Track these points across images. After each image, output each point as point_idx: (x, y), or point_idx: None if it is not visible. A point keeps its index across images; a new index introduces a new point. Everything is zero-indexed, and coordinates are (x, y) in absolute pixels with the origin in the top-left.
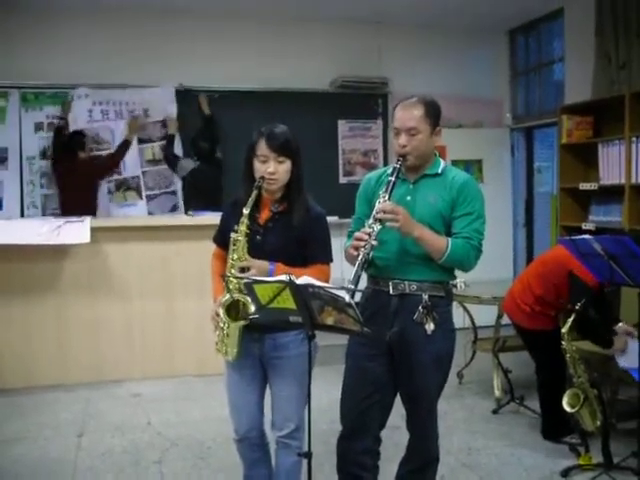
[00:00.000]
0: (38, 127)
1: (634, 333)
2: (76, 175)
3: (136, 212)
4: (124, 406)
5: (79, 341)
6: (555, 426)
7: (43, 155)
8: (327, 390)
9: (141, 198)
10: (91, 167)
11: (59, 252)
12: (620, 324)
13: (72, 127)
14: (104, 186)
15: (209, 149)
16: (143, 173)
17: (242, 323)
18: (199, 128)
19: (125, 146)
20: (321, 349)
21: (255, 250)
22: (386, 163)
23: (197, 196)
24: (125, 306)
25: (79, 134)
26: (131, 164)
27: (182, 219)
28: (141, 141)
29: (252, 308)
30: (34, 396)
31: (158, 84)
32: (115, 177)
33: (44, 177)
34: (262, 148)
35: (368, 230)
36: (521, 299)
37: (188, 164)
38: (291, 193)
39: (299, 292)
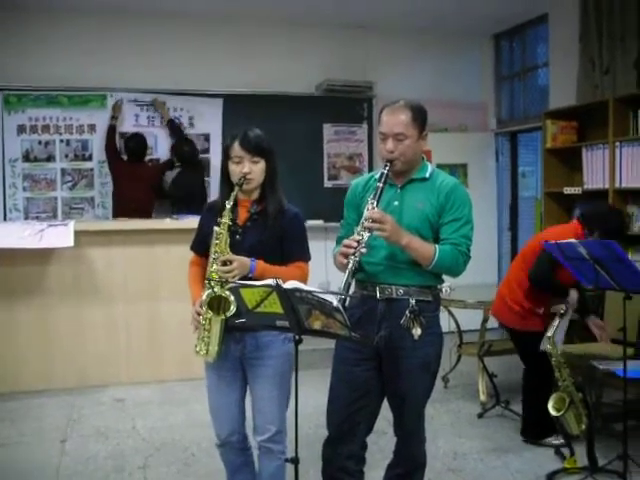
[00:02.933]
0: (21, 129)
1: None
2: (138, 177)
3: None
4: (108, 411)
5: (63, 346)
6: (537, 427)
7: (26, 158)
8: (312, 394)
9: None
10: (152, 170)
11: (43, 256)
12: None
13: (118, 131)
14: None
15: (191, 152)
16: None
17: (223, 317)
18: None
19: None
20: (307, 353)
21: (235, 249)
22: (371, 167)
23: (184, 202)
24: (109, 310)
25: (141, 137)
26: (170, 172)
27: (166, 223)
28: None
29: (232, 298)
30: (17, 401)
31: (143, 87)
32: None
33: (26, 180)
34: (236, 150)
35: (357, 238)
36: (511, 299)
37: (171, 174)
38: (266, 193)
39: (286, 296)
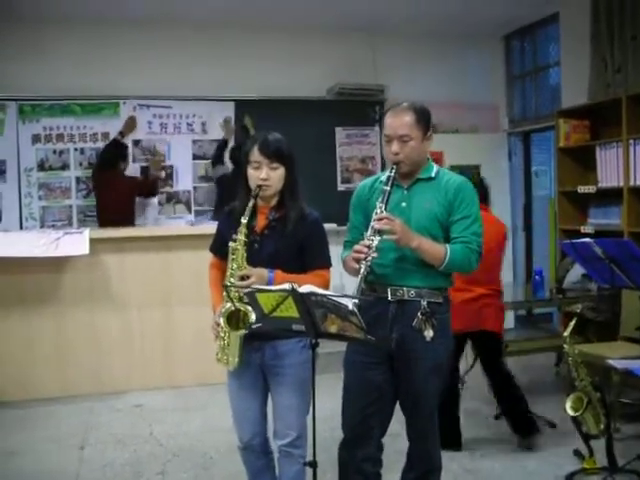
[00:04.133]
0: (36, 139)
1: None
2: (116, 188)
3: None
4: (125, 417)
5: (79, 353)
6: (526, 423)
7: (41, 167)
8: (329, 398)
9: (190, 212)
10: (130, 182)
11: (58, 264)
12: None
13: (131, 138)
14: (155, 197)
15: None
16: (194, 188)
17: (242, 332)
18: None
19: (155, 182)
20: (322, 357)
21: (253, 258)
22: (384, 170)
23: (224, 201)
24: (124, 317)
25: (123, 146)
26: (184, 179)
27: (180, 229)
28: (196, 157)
29: (253, 317)
30: (35, 408)
31: (149, 95)
32: (167, 189)
33: (42, 189)
34: (255, 154)
35: (367, 243)
36: (501, 301)
37: (220, 170)
38: (285, 200)
39: (302, 300)
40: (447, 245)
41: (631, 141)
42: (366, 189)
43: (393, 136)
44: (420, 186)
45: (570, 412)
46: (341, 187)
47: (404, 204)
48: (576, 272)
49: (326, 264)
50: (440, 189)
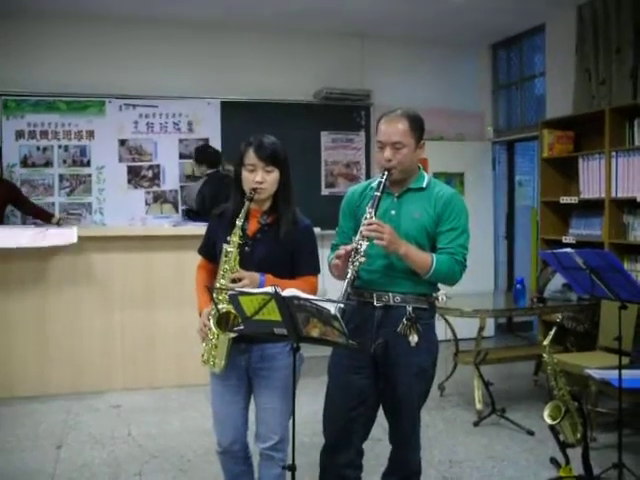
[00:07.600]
0: (19, 135)
1: None
2: None
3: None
4: (104, 418)
5: (59, 352)
6: None
7: (24, 163)
8: (309, 402)
9: (177, 212)
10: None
11: (41, 260)
12: None
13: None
14: (142, 196)
15: (215, 155)
16: (181, 188)
17: (233, 335)
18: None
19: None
20: (304, 361)
21: (244, 261)
22: (368, 175)
23: (205, 202)
24: (106, 316)
25: None
26: (170, 178)
27: (164, 229)
28: (182, 156)
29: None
30: (13, 407)
31: (142, 94)
32: (154, 189)
33: (24, 185)
34: (250, 157)
35: (355, 246)
36: None
37: (196, 185)
38: (279, 204)
39: (284, 304)
40: (433, 255)
41: (613, 153)
42: (356, 195)
43: (386, 142)
44: (410, 196)
45: (548, 420)
46: (325, 191)
47: (393, 212)
48: (557, 282)
49: (315, 271)
50: (430, 200)
